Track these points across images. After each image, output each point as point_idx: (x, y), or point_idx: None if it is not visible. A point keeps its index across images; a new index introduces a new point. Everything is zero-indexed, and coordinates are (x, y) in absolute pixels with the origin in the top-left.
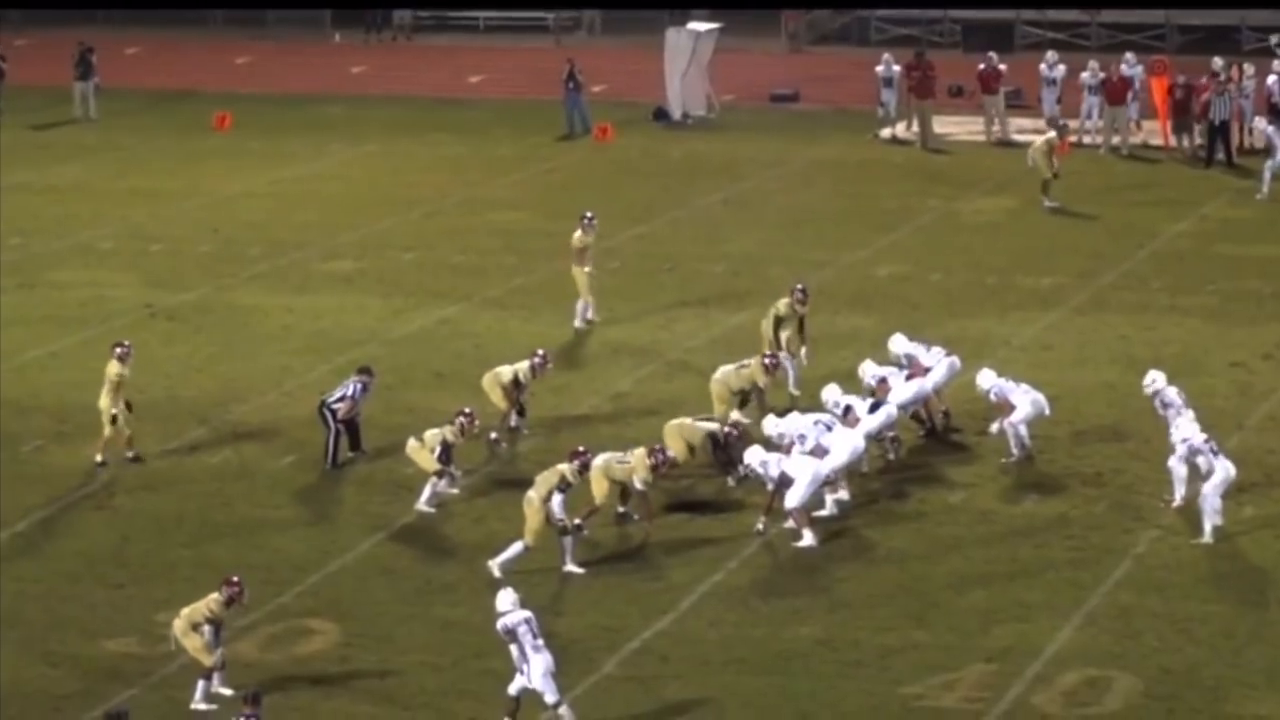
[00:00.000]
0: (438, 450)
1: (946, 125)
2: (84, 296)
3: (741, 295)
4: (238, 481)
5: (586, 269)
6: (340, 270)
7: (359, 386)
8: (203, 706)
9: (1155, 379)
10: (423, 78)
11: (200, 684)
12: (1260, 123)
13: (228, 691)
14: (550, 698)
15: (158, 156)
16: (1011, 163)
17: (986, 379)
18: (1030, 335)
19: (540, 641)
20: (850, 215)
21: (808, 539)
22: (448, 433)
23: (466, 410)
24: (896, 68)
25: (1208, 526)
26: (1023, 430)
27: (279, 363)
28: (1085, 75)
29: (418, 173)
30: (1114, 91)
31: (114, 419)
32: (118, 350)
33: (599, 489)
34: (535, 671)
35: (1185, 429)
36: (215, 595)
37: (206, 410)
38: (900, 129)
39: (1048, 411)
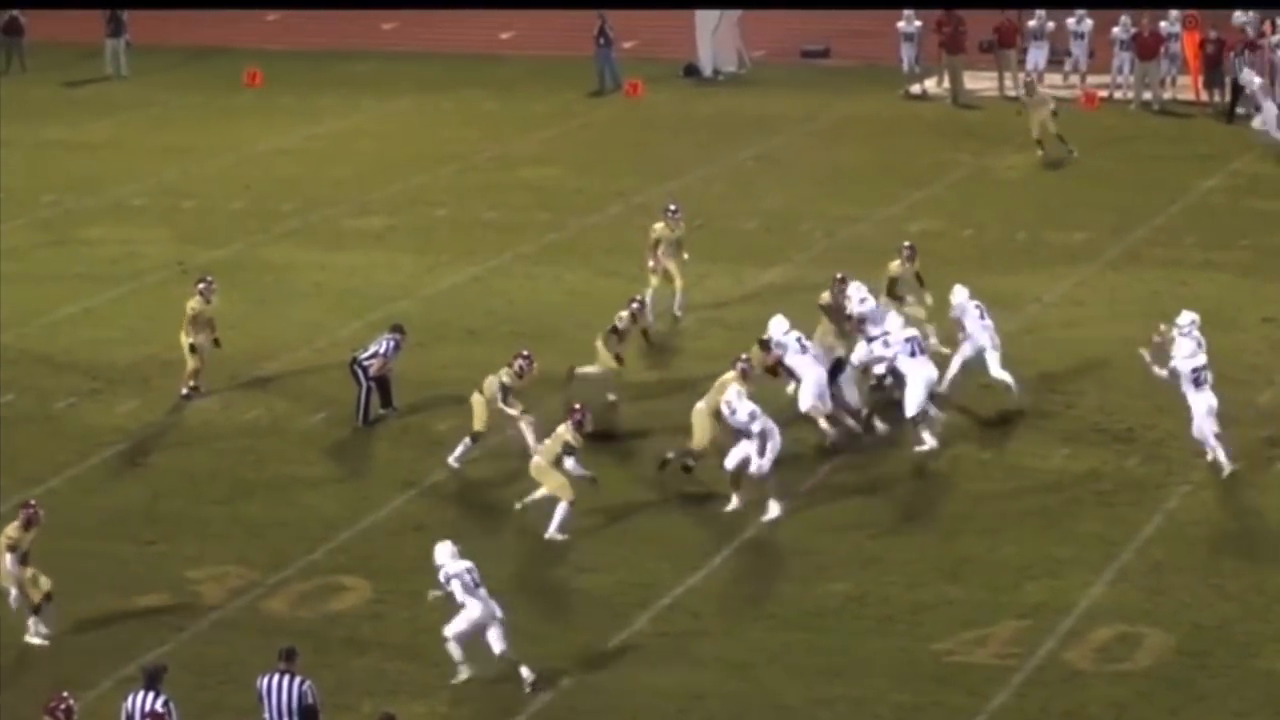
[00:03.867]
0: (499, 395)
1: (977, 81)
2: (116, 253)
3: (773, 251)
4: (269, 438)
5: (685, 257)
6: (372, 227)
7: (391, 344)
8: (35, 641)
9: (1193, 319)
10: (454, 34)
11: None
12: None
13: (38, 637)
14: (497, 647)
15: (189, 113)
16: None
17: (958, 294)
18: (1062, 291)
19: (483, 591)
20: (882, 171)
21: (929, 442)
22: (504, 375)
23: (525, 353)
24: (918, 23)
25: (1221, 457)
26: (955, 364)
27: (311, 319)
28: (1116, 30)
29: (449, 129)
30: (1145, 46)
31: (192, 348)
32: (199, 285)
33: (700, 430)
34: (470, 615)
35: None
36: (15, 521)
37: (238, 367)
38: (930, 84)
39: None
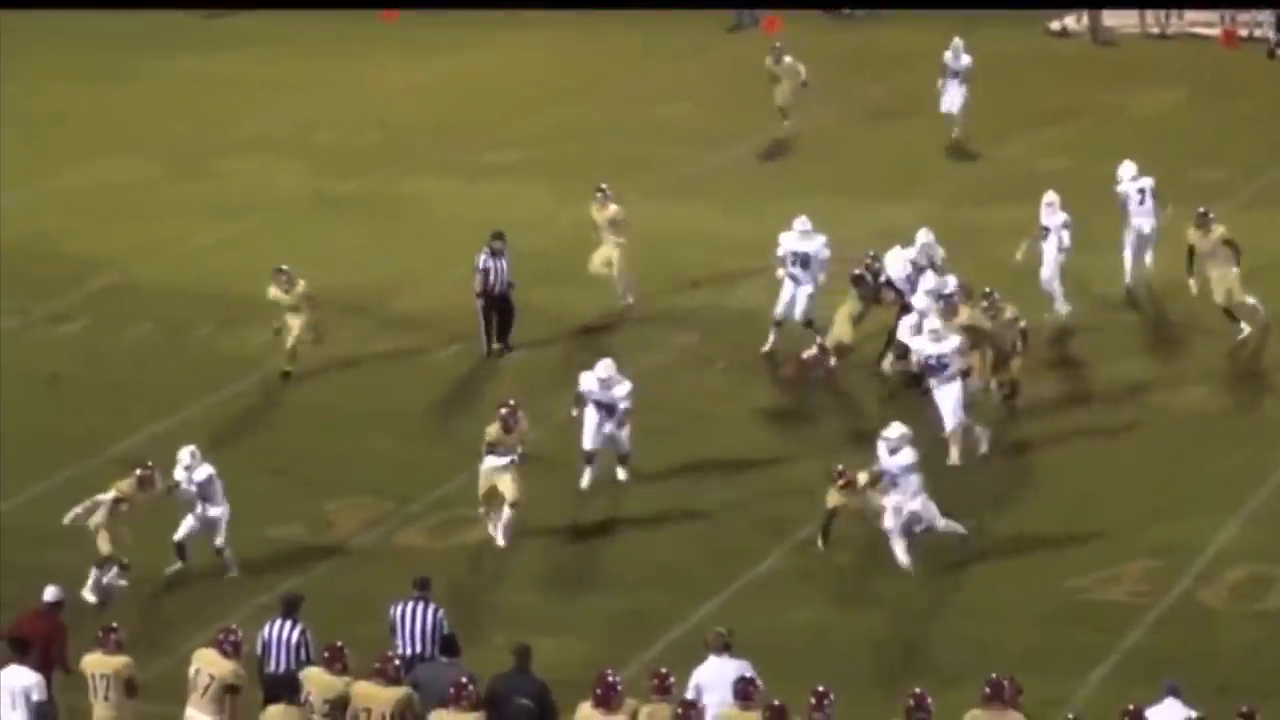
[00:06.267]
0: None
1: (1116, 17)
2: (251, 184)
3: (906, 186)
4: (402, 370)
5: (618, 240)
6: (506, 160)
7: (485, 255)
8: (87, 596)
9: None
10: None
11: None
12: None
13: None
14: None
15: (325, 45)
16: (1181, 55)
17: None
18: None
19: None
20: (1016, 108)
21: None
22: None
23: (870, 252)
24: None
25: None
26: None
27: (444, 252)
28: None
29: (584, 63)
30: None
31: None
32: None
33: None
34: (211, 515)
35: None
36: (130, 479)
37: (372, 300)
38: (1070, 21)
39: None
